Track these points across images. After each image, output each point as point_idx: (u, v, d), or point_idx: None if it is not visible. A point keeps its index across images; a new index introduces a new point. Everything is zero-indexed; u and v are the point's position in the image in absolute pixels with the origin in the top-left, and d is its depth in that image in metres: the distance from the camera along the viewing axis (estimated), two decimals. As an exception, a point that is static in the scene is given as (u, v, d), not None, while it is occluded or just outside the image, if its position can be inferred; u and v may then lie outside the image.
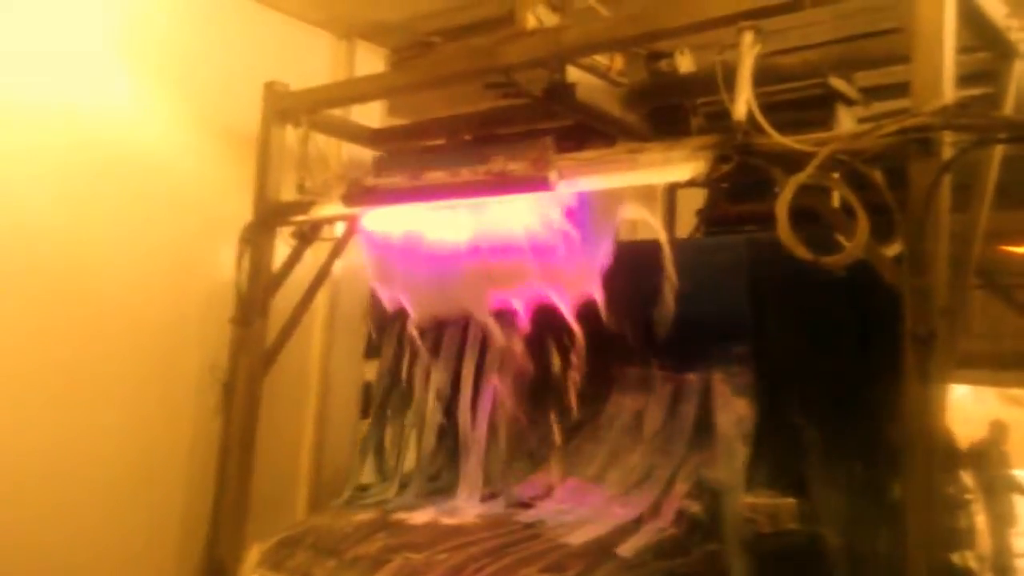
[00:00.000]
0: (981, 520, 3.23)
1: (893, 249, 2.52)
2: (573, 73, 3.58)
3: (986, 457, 2.88)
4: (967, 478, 3.16)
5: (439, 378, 3.67)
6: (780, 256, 2.43)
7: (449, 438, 3.61)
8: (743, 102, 2.65)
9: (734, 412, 2.97)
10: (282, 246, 4.09)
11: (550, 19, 3.35)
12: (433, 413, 3.66)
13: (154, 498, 4.05)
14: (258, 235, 4.02)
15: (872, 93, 3.45)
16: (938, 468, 2.35)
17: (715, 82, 2.77)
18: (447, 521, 3.18)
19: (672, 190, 3.25)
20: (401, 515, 3.32)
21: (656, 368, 3.27)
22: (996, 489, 2.91)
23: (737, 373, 3.01)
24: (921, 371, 2.34)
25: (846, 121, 3.12)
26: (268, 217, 4.03)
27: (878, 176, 2.40)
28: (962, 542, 3.07)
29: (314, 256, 4.17)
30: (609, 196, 3.05)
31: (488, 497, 3.41)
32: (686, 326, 3.02)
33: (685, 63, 3.66)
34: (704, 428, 3.06)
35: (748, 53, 2.67)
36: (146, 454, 4.02)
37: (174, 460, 4.13)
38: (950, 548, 2.79)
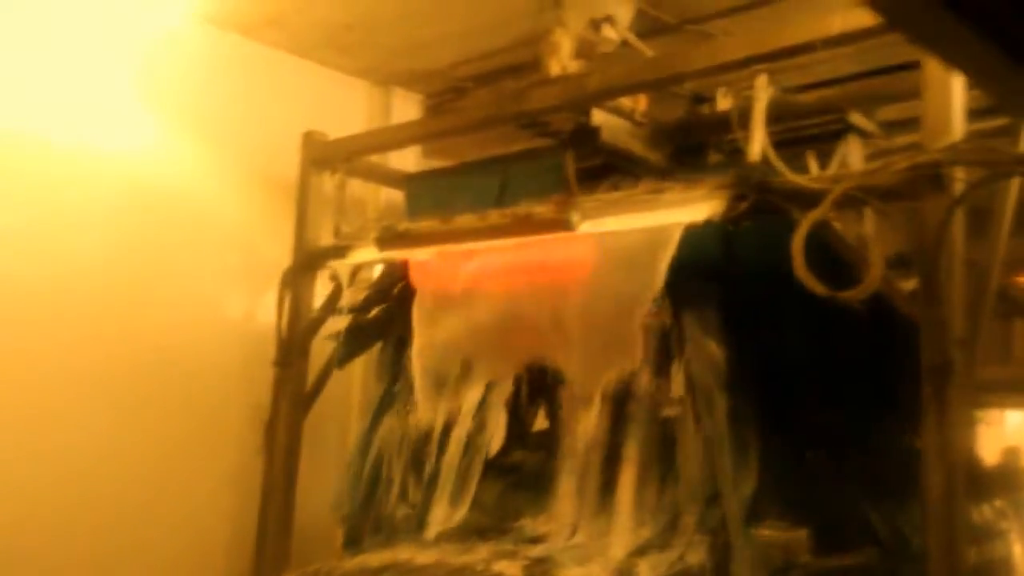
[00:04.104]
0: (1019, 551, 3.21)
1: (910, 283, 2.56)
2: (599, 114, 3.69)
3: (1014, 482, 2.89)
4: (1003, 505, 3.15)
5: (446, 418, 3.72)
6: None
7: (462, 476, 3.63)
8: (758, 142, 2.73)
9: (707, 356, 2.97)
10: (321, 288, 4.22)
11: (573, 65, 3.46)
12: (453, 453, 3.67)
13: (197, 535, 4.18)
14: (297, 279, 4.15)
15: (898, 126, 3.49)
16: (959, 497, 2.37)
17: (737, 121, 2.86)
18: (454, 560, 3.21)
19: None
20: (409, 553, 3.36)
21: None
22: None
23: (707, 313, 3.01)
24: (938, 402, 2.37)
25: (855, 156, 3.17)
26: (307, 261, 4.16)
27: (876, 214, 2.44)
28: (997, 572, 3.06)
29: (352, 298, 4.27)
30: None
31: (498, 533, 3.43)
32: None
33: (725, 103, 3.72)
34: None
35: (762, 95, 2.75)
36: (190, 493, 4.14)
37: (218, 499, 4.26)
38: (980, 577, 2.79)
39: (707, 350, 3.00)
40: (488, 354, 3.58)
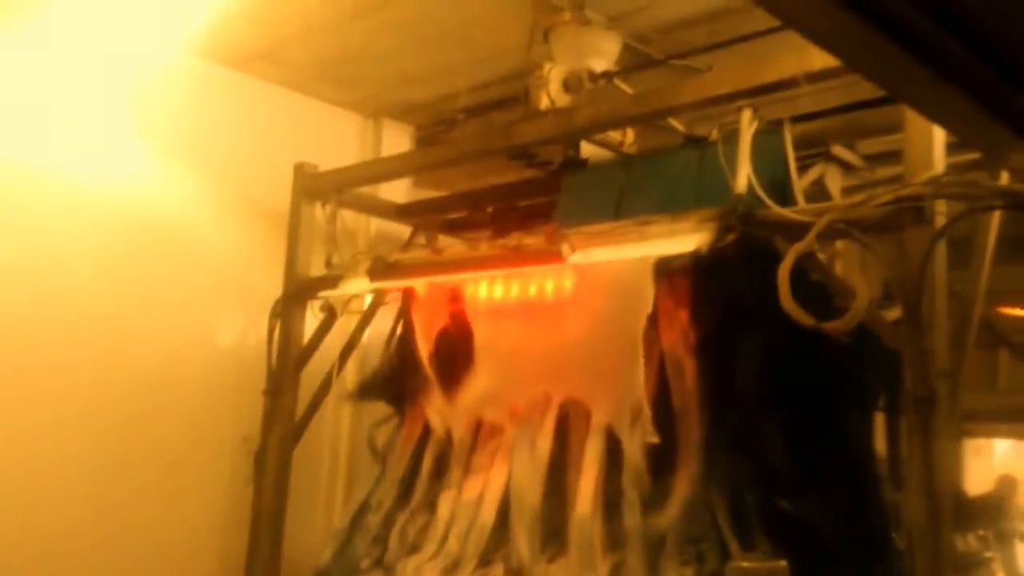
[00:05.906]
0: (1001, 578, 3.22)
1: (894, 313, 2.60)
2: (587, 146, 3.74)
3: (1001, 511, 2.91)
4: (986, 534, 3.17)
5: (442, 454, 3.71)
6: None
7: (452, 506, 3.59)
8: (744, 174, 2.78)
9: (678, 326, 2.99)
10: (311, 318, 4.23)
11: (562, 99, 3.51)
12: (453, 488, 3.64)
13: (186, 563, 4.15)
14: (288, 309, 4.17)
15: (881, 159, 3.54)
16: (944, 527, 2.39)
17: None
18: None
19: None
20: None
21: None
22: (1011, 542, 2.93)
23: (678, 285, 3.02)
24: (923, 432, 2.40)
25: (834, 186, 3.22)
26: (298, 291, 4.18)
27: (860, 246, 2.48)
28: (979, 600, 3.06)
29: (344, 327, 4.30)
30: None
31: (484, 564, 3.39)
32: None
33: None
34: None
35: (747, 130, 2.80)
36: (181, 523, 4.13)
37: (208, 529, 4.24)
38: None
39: (677, 320, 3.02)
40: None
